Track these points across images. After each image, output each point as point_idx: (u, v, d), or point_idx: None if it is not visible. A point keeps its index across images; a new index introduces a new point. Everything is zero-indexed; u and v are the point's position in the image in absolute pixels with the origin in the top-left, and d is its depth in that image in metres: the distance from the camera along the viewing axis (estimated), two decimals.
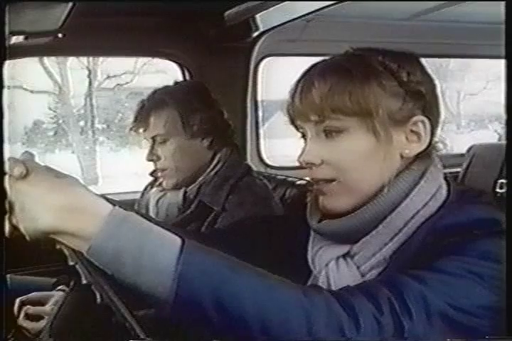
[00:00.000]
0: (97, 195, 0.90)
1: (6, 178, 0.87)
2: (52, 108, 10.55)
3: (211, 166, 1.98)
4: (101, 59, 9.66)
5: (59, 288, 1.81)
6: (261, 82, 2.98)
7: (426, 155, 1.13)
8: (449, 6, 2.55)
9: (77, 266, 0.89)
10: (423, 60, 1.17)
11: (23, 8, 1.38)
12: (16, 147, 8.71)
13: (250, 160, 2.93)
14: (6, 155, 0.92)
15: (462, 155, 3.15)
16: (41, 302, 1.75)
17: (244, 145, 2.91)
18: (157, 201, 2.04)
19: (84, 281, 0.89)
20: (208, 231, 1.83)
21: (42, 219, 0.85)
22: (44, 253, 1.25)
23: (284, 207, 2.02)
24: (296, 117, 1.15)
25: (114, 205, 0.87)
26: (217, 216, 1.89)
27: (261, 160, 3.08)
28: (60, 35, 1.78)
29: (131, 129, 2.01)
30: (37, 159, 0.92)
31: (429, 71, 1.16)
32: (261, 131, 3.10)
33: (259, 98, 3.03)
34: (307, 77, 1.13)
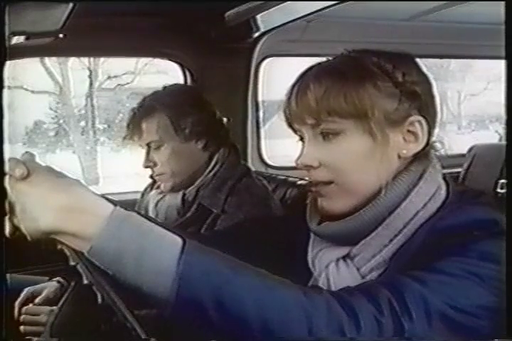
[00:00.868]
0: (98, 195, 0.90)
1: (7, 179, 0.87)
2: (53, 108, 10.54)
3: (209, 168, 1.98)
4: (102, 59, 9.65)
5: (54, 279, 1.82)
6: (262, 82, 2.98)
7: (424, 155, 1.13)
8: (449, 7, 2.55)
9: (78, 267, 0.89)
10: (419, 60, 1.17)
11: (24, 8, 1.38)
12: (16, 147, 8.71)
13: (251, 160, 2.93)
14: (7, 155, 0.92)
15: (463, 155, 3.15)
16: (35, 296, 1.76)
17: (245, 145, 2.92)
18: (156, 204, 2.05)
19: (85, 281, 0.89)
20: (207, 232, 1.83)
21: (43, 219, 0.85)
22: (45, 254, 1.25)
23: (284, 208, 2.02)
24: (293, 120, 1.15)
25: (115, 205, 0.87)
26: (216, 218, 1.89)
27: (262, 160, 3.08)
28: (61, 35, 1.78)
29: (125, 138, 2.03)
30: (38, 159, 0.92)
31: (425, 71, 1.16)
32: (262, 131, 3.10)
33: (260, 98, 3.03)
34: (302, 81, 1.13)
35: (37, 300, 1.75)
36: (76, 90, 10.27)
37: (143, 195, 2.22)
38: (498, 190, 2.74)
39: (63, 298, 1.46)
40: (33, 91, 9.92)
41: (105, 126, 10.86)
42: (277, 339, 0.85)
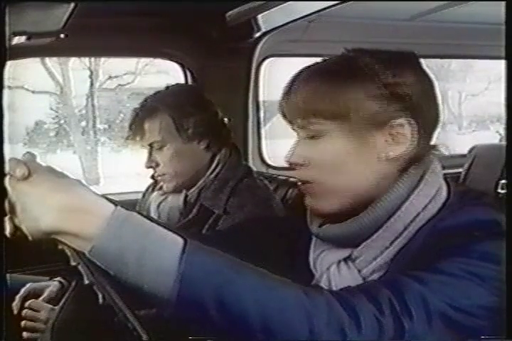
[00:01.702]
0: (98, 195, 0.90)
1: (7, 179, 0.87)
2: (53, 108, 10.54)
3: (211, 169, 1.98)
4: (103, 59, 9.65)
5: (55, 279, 1.82)
6: (263, 82, 2.98)
7: (423, 157, 1.13)
8: (450, 7, 2.55)
9: (79, 267, 0.89)
10: (420, 60, 1.16)
11: (25, 8, 1.38)
12: (17, 147, 8.71)
13: (252, 160, 2.93)
14: (7, 155, 0.92)
15: (464, 155, 3.15)
16: (36, 293, 1.76)
17: (246, 145, 2.92)
18: (158, 205, 2.04)
19: (86, 282, 0.89)
20: (209, 233, 1.83)
21: (44, 219, 0.85)
22: (46, 254, 1.25)
23: (285, 208, 2.02)
24: (286, 120, 1.17)
25: (116, 205, 0.87)
26: (218, 219, 1.89)
27: (262, 160, 3.08)
28: (62, 35, 1.78)
29: (127, 138, 2.03)
30: (38, 159, 0.92)
31: (426, 72, 1.15)
32: (262, 132, 3.10)
33: (260, 98, 3.03)
34: (294, 81, 1.15)
35: (39, 299, 1.75)
36: (77, 90, 10.27)
37: (144, 195, 2.22)
38: (499, 191, 2.74)
39: (64, 298, 1.46)
40: (33, 92, 9.93)
41: (106, 126, 10.87)
42: (278, 338, 0.85)
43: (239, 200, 1.89)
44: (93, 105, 10.51)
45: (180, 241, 0.86)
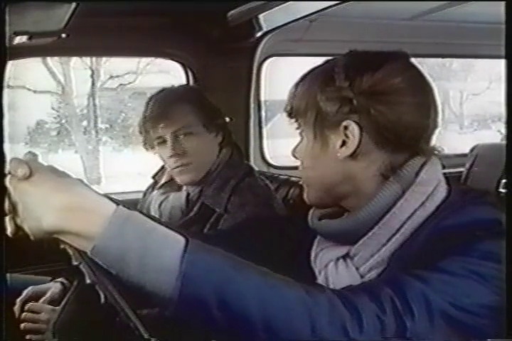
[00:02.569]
0: (100, 194, 0.90)
1: (9, 178, 0.88)
2: (55, 108, 10.54)
3: (213, 167, 1.98)
4: (104, 59, 9.65)
5: (57, 280, 1.81)
6: (264, 82, 2.99)
7: (420, 154, 1.13)
8: (451, 7, 2.55)
9: (80, 266, 0.89)
10: (402, 63, 1.16)
11: (26, 8, 1.39)
12: (18, 147, 8.71)
13: (253, 160, 2.94)
14: (9, 155, 0.92)
15: (465, 155, 3.15)
16: (38, 296, 1.75)
17: (247, 145, 2.92)
18: (160, 205, 2.04)
19: (88, 281, 0.89)
20: (210, 232, 1.83)
21: (46, 218, 0.85)
22: (47, 253, 1.25)
23: (286, 208, 2.02)
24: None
25: (118, 205, 0.88)
26: (219, 217, 1.89)
27: (264, 160, 3.09)
28: (63, 35, 1.78)
29: (144, 125, 1.99)
30: (40, 159, 0.93)
31: (402, 80, 1.12)
32: (264, 131, 3.10)
33: (262, 98, 3.03)
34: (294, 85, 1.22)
35: (40, 301, 1.75)
36: (78, 90, 10.27)
37: (144, 195, 2.22)
38: (501, 190, 2.74)
39: (66, 298, 1.46)
40: (35, 91, 9.93)
41: (107, 125, 10.87)
42: (280, 337, 0.85)
43: (240, 199, 1.89)
44: (94, 105, 10.51)
45: (182, 240, 0.87)
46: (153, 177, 2.18)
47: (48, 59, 9.06)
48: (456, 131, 11.45)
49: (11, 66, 2.51)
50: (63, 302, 1.46)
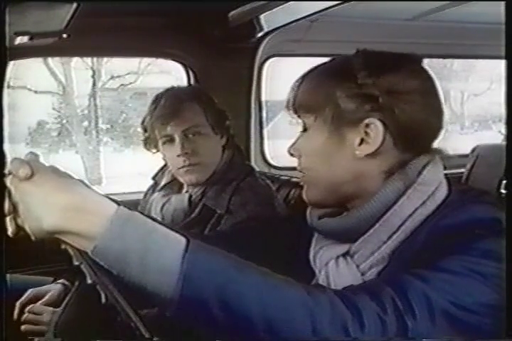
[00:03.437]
0: (101, 195, 0.90)
1: (10, 179, 0.88)
2: (56, 108, 10.55)
3: (218, 168, 1.98)
4: (105, 59, 9.67)
5: (58, 281, 1.81)
6: (265, 82, 2.99)
7: (423, 153, 1.13)
8: (452, 7, 2.55)
9: (81, 266, 0.89)
10: (414, 66, 1.17)
11: (27, 8, 1.39)
12: (19, 147, 8.72)
13: (254, 160, 2.94)
14: (9, 155, 0.92)
15: (466, 155, 3.15)
16: (39, 298, 1.75)
17: (248, 145, 2.92)
18: (162, 207, 2.03)
19: (89, 281, 0.89)
20: (211, 233, 1.83)
21: (47, 219, 0.85)
22: (48, 254, 1.25)
23: (287, 208, 2.02)
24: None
25: (119, 205, 0.88)
26: (220, 218, 1.89)
27: (265, 160, 3.08)
28: (64, 35, 1.78)
29: (151, 123, 1.98)
30: (41, 159, 0.93)
31: (409, 77, 1.13)
32: (265, 132, 3.10)
33: (263, 98, 3.03)
34: (299, 78, 1.21)
35: (40, 302, 1.74)
36: (79, 90, 10.28)
37: (145, 196, 2.22)
38: (502, 191, 2.74)
39: (67, 298, 1.46)
40: (36, 91, 9.94)
41: (108, 126, 10.88)
42: (281, 338, 0.85)
43: (241, 199, 1.89)
44: (95, 105, 10.53)
45: (182, 240, 0.87)
46: (154, 178, 2.18)
47: (49, 59, 9.08)
48: (457, 132, 11.45)
49: (12, 66, 2.52)
50: (64, 303, 1.46)
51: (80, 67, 10.08)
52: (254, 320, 0.84)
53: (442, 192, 1.11)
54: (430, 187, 1.10)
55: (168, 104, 1.96)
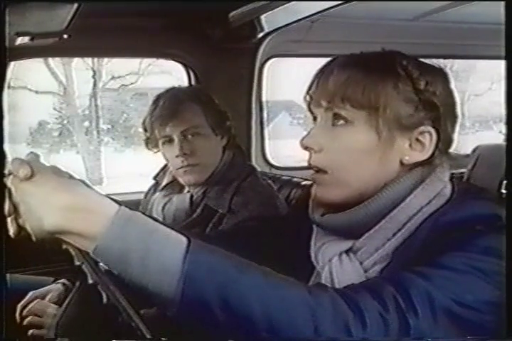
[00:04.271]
0: (102, 195, 0.90)
1: (11, 179, 0.88)
2: (57, 108, 10.57)
3: (218, 168, 1.98)
4: (106, 60, 9.68)
5: (58, 281, 1.81)
6: (266, 82, 2.99)
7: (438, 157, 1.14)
8: (453, 7, 2.55)
9: (83, 266, 0.89)
10: (449, 76, 1.17)
11: (28, 9, 1.39)
12: (20, 147, 8.73)
13: (255, 160, 2.94)
14: (10, 155, 0.92)
15: (467, 156, 3.15)
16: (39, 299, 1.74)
17: (249, 145, 2.92)
18: (163, 207, 2.03)
19: (90, 281, 0.89)
20: (212, 233, 1.83)
21: (48, 219, 0.85)
22: (49, 254, 1.25)
23: (288, 207, 2.02)
24: (311, 102, 1.16)
25: (120, 205, 0.88)
26: (222, 218, 1.89)
27: (266, 160, 3.09)
28: (65, 36, 1.78)
29: (151, 123, 1.97)
30: (42, 159, 0.93)
31: (451, 87, 1.15)
32: (266, 132, 3.11)
33: (264, 99, 3.03)
34: (329, 66, 1.14)
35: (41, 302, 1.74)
36: (80, 90, 10.30)
37: (146, 196, 2.22)
38: (503, 191, 2.74)
39: (68, 298, 1.46)
40: (36, 92, 9.95)
41: (109, 126, 10.89)
42: (283, 337, 0.85)
43: (243, 199, 1.89)
44: (96, 105, 10.54)
45: (184, 240, 0.87)
46: (155, 178, 2.18)
47: (50, 60, 9.09)
48: (457, 132, 11.44)
49: (13, 67, 2.52)
50: (65, 303, 1.46)
51: (80, 67, 10.09)
52: (256, 320, 0.84)
53: (447, 191, 1.11)
54: (437, 186, 1.10)
55: (168, 105, 1.95)
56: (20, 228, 0.89)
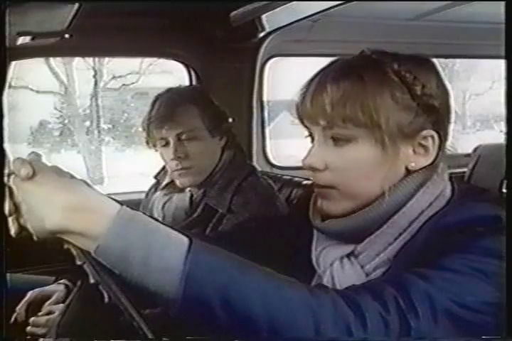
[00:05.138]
0: (104, 194, 0.90)
1: (12, 178, 0.88)
2: (58, 108, 10.58)
3: (217, 169, 1.98)
4: (107, 59, 9.68)
5: (60, 282, 1.81)
6: (267, 82, 2.99)
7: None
8: (454, 7, 2.55)
9: (84, 266, 0.89)
10: (438, 69, 1.15)
11: (29, 9, 1.39)
12: (21, 147, 8.74)
13: (256, 160, 2.94)
14: (10, 155, 0.92)
15: (468, 155, 3.15)
16: (41, 299, 1.74)
17: (250, 145, 2.92)
18: (163, 206, 2.03)
19: (91, 281, 0.89)
20: (212, 233, 1.83)
21: (49, 218, 0.85)
22: (51, 253, 1.25)
23: (289, 207, 2.02)
24: (304, 119, 1.14)
25: (122, 205, 0.88)
26: (222, 217, 1.89)
27: (266, 160, 3.09)
28: (66, 35, 1.78)
29: (148, 125, 1.97)
30: (43, 159, 0.93)
31: (444, 81, 1.14)
32: (267, 131, 3.11)
33: (265, 98, 3.03)
34: (320, 79, 1.11)
35: (47, 303, 1.73)
36: (81, 90, 10.31)
37: (147, 195, 2.22)
38: (503, 190, 2.74)
39: (69, 298, 1.46)
40: (38, 91, 9.96)
41: (110, 126, 10.90)
42: (284, 338, 0.85)
43: (243, 198, 1.89)
44: (97, 105, 10.55)
45: (185, 240, 0.87)
46: (156, 177, 2.18)
47: (51, 59, 9.09)
48: (458, 131, 11.45)
49: (14, 66, 2.52)
50: (66, 302, 1.46)
51: (81, 67, 10.11)
52: (257, 320, 0.84)
53: (447, 192, 1.11)
54: (437, 190, 1.10)
55: (164, 108, 1.95)
56: (22, 228, 0.89)
